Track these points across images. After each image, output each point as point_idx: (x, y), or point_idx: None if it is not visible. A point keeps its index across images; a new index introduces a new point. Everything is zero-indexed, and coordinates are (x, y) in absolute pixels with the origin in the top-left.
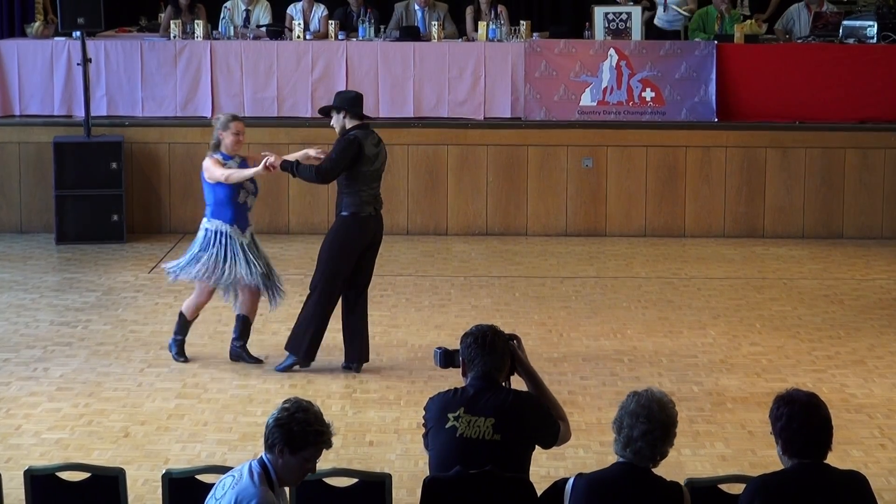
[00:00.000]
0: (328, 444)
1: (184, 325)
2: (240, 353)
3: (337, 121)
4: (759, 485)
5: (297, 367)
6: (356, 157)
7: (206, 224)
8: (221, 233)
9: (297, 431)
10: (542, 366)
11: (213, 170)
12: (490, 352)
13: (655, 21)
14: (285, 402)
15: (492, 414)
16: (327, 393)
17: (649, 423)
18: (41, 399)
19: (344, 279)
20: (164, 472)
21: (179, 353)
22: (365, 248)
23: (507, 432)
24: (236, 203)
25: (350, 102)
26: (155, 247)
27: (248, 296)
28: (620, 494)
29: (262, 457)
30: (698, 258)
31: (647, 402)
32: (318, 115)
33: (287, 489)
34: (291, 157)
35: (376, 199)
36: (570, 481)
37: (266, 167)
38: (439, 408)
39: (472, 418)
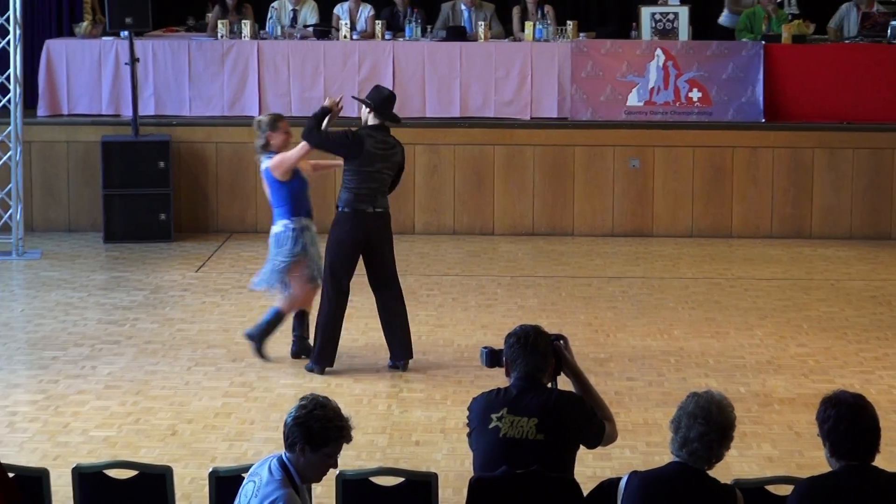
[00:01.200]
0: (348, 439)
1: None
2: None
3: (363, 113)
4: (807, 487)
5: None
6: (353, 154)
7: (291, 224)
8: (307, 227)
9: (318, 429)
10: (589, 366)
11: (291, 156)
12: (532, 352)
13: (721, 21)
14: (302, 399)
15: (535, 414)
16: (374, 392)
17: (707, 424)
18: (89, 397)
19: (346, 277)
20: (210, 470)
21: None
22: (365, 246)
23: (550, 432)
24: (307, 195)
25: (380, 101)
26: (202, 246)
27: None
28: (674, 494)
29: (281, 456)
30: (745, 259)
31: (706, 403)
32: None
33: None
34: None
35: (374, 198)
36: (624, 479)
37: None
38: (482, 408)
39: (516, 418)
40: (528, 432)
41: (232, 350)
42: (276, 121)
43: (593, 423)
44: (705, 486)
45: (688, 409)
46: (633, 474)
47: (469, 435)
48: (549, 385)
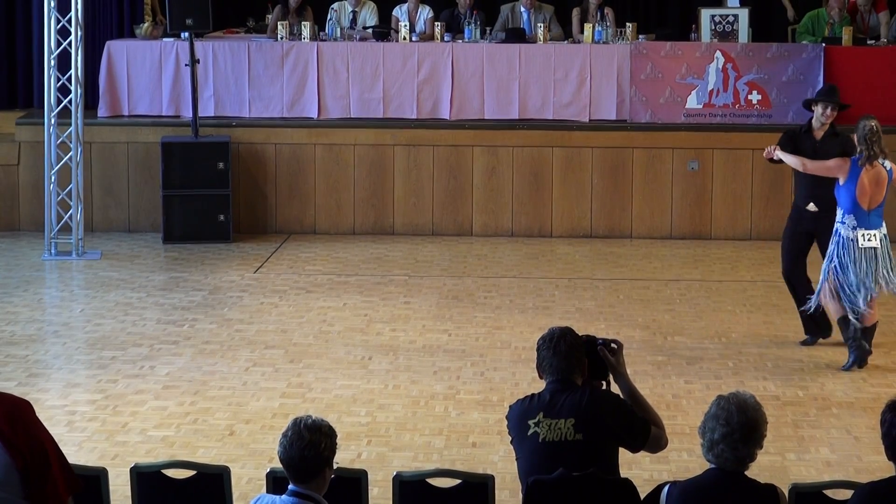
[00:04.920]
0: (335, 446)
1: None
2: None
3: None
4: (866, 492)
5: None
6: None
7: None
8: None
9: (311, 458)
10: (646, 369)
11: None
12: (555, 354)
13: None
14: (282, 437)
15: (570, 414)
16: (430, 394)
17: (728, 425)
18: (147, 397)
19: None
20: (268, 470)
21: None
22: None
23: (587, 430)
24: None
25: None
26: (261, 247)
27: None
28: (714, 500)
29: (291, 489)
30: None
31: (726, 404)
32: (423, 117)
33: None
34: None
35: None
36: (665, 491)
37: None
38: (519, 416)
39: (552, 421)
40: (566, 433)
41: (290, 351)
42: None
43: (632, 422)
44: (745, 488)
45: (711, 412)
46: (673, 485)
47: (511, 443)
48: (603, 385)
